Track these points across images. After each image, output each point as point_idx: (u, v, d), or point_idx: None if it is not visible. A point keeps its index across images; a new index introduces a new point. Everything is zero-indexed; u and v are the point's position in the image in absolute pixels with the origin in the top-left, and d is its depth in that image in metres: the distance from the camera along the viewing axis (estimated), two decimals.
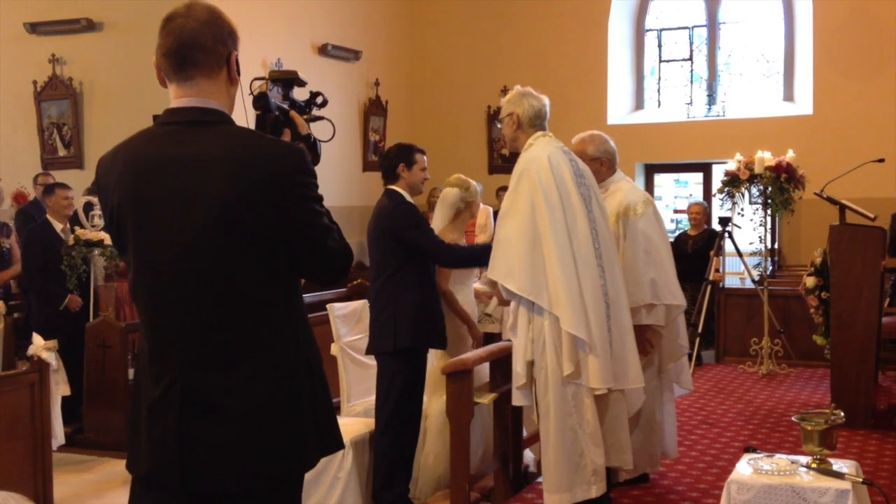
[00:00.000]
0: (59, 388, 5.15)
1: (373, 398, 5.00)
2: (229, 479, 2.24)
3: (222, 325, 2.24)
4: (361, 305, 5.72)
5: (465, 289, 5.43)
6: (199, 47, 2.30)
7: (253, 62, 10.49)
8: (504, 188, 11.11)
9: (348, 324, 5.57)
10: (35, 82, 10.26)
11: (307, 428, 2.33)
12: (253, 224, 2.21)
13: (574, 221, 4.23)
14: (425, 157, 5.06)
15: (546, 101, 4.53)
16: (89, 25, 9.96)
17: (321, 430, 2.37)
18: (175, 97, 2.37)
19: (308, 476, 4.82)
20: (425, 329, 4.84)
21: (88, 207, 7.25)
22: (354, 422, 5.18)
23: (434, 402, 5.15)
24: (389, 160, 5.01)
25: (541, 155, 4.31)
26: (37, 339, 4.99)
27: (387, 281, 4.85)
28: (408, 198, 4.94)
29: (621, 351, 4.30)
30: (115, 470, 6.09)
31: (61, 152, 10.26)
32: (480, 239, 9.48)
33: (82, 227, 7.15)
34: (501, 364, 5.17)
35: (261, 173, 2.23)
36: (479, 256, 4.97)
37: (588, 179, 4.41)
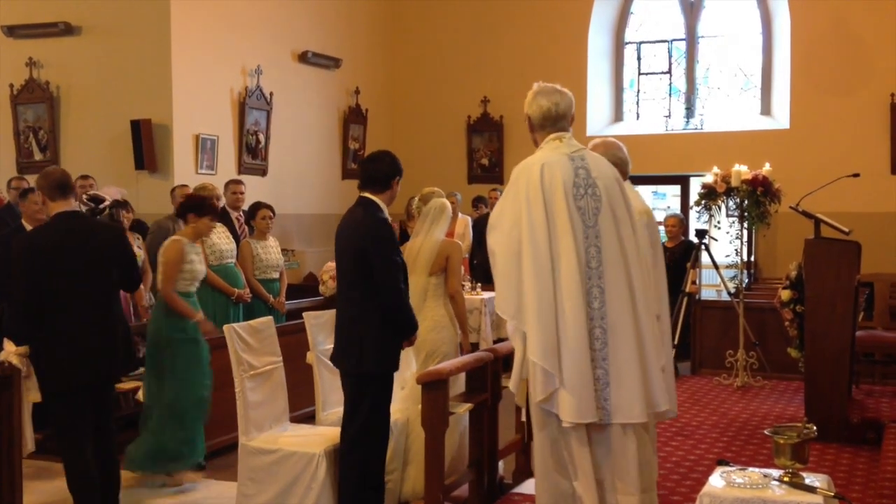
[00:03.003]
0: (30, 394, 5.08)
1: None
2: None
3: None
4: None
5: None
6: None
7: (233, 69, 10.46)
8: (481, 199, 11.18)
9: (324, 332, 5.55)
10: (11, 85, 10.18)
11: None
12: None
13: (558, 239, 3.87)
14: None
15: (558, 98, 4.10)
16: (67, 29, 9.90)
17: None
18: None
19: (281, 484, 4.84)
20: (391, 354, 4.73)
21: None
22: (329, 430, 5.16)
23: (415, 409, 5.12)
24: (384, 168, 4.77)
25: (534, 163, 3.98)
26: (7, 345, 4.93)
27: (353, 296, 4.68)
28: (385, 211, 4.78)
29: (622, 382, 3.84)
30: None
31: (37, 156, 10.18)
32: None
33: None
34: (477, 374, 5.17)
35: None
36: (410, 323, 4.75)
37: (602, 189, 3.95)
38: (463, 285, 8.81)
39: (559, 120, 4.07)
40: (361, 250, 4.62)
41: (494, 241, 4.00)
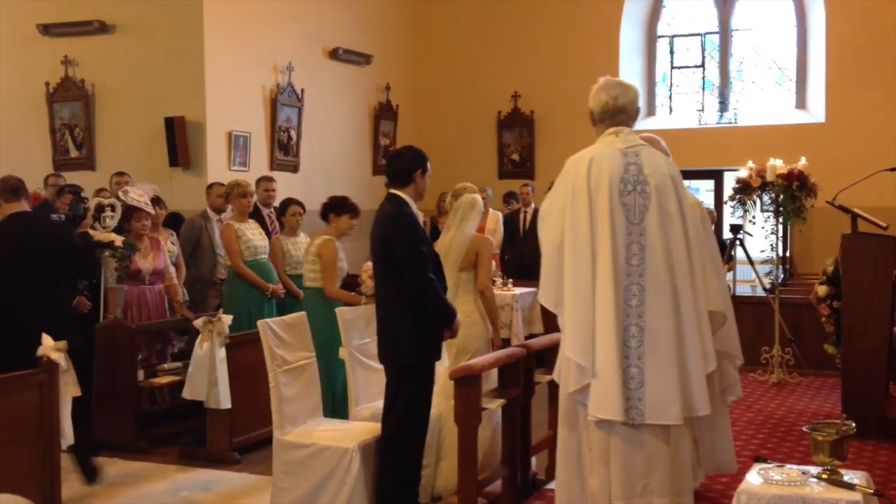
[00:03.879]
0: (69, 388, 5.14)
1: (381, 402, 4.98)
2: None
3: None
4: (369, 310, 5.72)
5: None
6: None
7: (264, 65, 10.51)
8: (512, 194, 11.15)
9: (357, 328, 5.57)
10: (47, 84, 10.29)
11: None
12: None
13: (598, 234, 3.85)
14: None
15: (618, 92, 4.06)
16: (102, 27, 9.99)
17: None
18: None
19: (315, 478, 4.86)
20: (428, 344, 4.74)
21: (100, 209, 7.25)
22: (362, 426, 5.17)
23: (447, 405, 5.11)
24: (404, 163, 4.82)
25: (584, 156, 3.96)
26: (46, 340, 4.98)
27: (388, 290, 4.75)
28: (413, 206, 4.80)
29: (657, 382, 3.79)
30: (123, 471, 6.10)
31: (73, 153, 10.29)
32: None
33: (94, 228, 7.16)
34: (510, 370, 5.16)
35: None
36: (444, 312, 4.73)
37: (652, 187, 3.88)
38: (494, 281, 8.82)
39: (618, 113, 4.05)
40: (387, 243, 4.69)
41: (542, 231, 4.05)
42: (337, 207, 6.46)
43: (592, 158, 3.93)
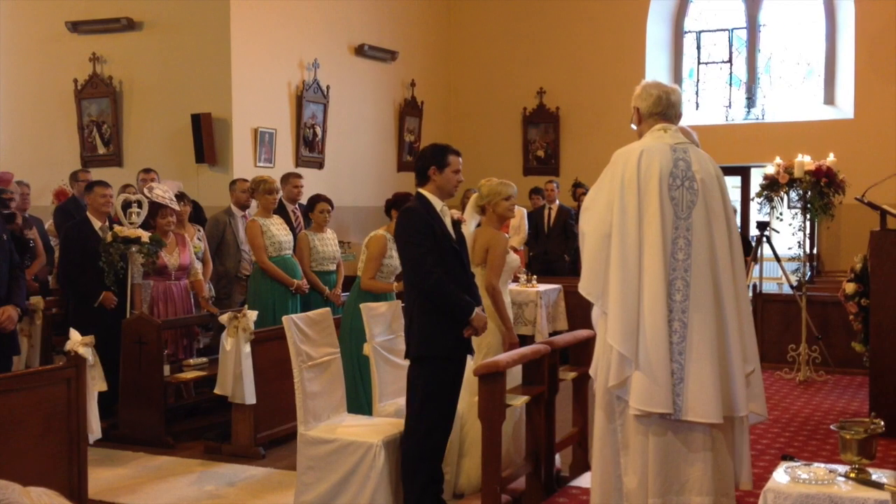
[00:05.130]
0: (96, 383, 5.18)
1: (405, 398, 4.98)
2: None
3: None
4: (394, 306, 5.73)
5: (505, 288, 5.45)
6: None
7: (290, 62, 10.55)
8: (537, 190, 11.12)
9: (381, 324, 5.57)
10: (76, 80, 10.39)
11: None
12: None
13: (646, 226, 3.85)
14: (460, 159, 4.86)
15: (670, 89, 4.12)
16: (129, 24, 10.07)
17: None
18: None
19: (340, 473, 4.87)
20: (438, 338, 4.69)
21: (127, 205, 7.31)
22: (386, 422, 5.17)
23: (471, 401, 5.09)
24: (421, 162, 4.87)
25: (634, 148, 3.97)
26: (74, 335, 5.02)
27: (407, 285, 4.83)
28: (435, 202, 4.77)
29: (695, 380, 3.78)
30: (149, 465, 6.14)
31: (101, 150, 10.39)
32: (514, 241, 9.47)
33: (121, 224, 7.22)
34: (534, 366, 5.14)
35: None
36: (454, 306, 4.63)
37: (699, 183, 3.91)
38: (518, 277, 8.80)
39: (669, 108, 4.08)
40: (396, 240, 4.80)
41: (586, 221, 4.03)
42: (399, 204, 6.42)
43: (643, 151, 3.95)
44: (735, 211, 9.77)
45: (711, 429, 3.84)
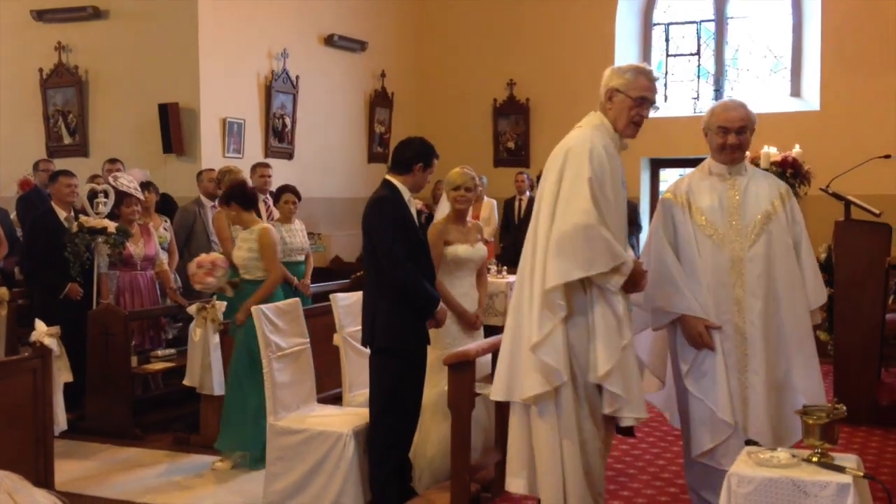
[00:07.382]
0: (62, 374, 5.14)
1: None
2: None
3: None
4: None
5: (457, 280, 5.39)
6: None
7: (259, 52, 10.48)
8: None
9: (351, 314, 5.56)
10: (41, 70, 10.26)
11: None
12: None
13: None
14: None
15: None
16: (95, 13, 9.96)
17: None
18: None
19: (309, 463, 4.86)
20: (403, 329, 4.68)
21: (93, 195, 7.24)
22: (355, 412, 5.18)
23: (428, 393, 5.09)
24: (409, 153, 4.78)
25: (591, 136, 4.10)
26: (39, 326, 4.98)
27: (370, 274, 4.77)
28: (406, 194, 4.75)
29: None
30: (117, 457, 6.11)
31: (66, 140, 10.27)
32: (484, 232, 9.47)
33: (86, 214, 7.16)
34: None
35: None
36: (421, 299, 4.67)
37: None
38: (489, 269, 8.81)
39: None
40: (366, 228, 4.71)
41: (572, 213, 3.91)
42: (235, 196, 6.21)
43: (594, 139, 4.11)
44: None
45: (518, 407, 4.02)
